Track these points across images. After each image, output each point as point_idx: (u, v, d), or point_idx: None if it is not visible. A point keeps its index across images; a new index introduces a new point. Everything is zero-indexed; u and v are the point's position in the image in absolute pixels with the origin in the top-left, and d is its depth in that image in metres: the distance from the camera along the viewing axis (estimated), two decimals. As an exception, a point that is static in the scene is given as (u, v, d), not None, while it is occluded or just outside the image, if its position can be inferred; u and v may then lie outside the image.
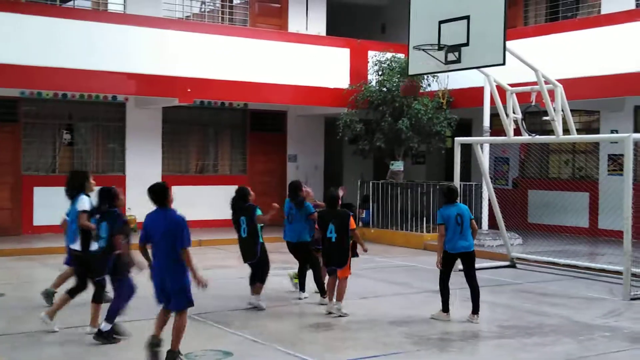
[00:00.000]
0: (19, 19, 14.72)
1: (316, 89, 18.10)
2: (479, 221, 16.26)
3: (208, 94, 17.31)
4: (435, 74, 16.58)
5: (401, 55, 17.74)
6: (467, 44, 10.89)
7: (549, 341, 8.27)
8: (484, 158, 14.87)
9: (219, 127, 19.46)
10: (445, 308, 9.18)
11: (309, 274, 10.28)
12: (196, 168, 19.09)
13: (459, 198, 9.80)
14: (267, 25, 19.40)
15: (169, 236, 6.97)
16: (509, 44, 10.73)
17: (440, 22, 11.15)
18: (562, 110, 12.08)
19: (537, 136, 13.13)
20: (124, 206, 8.24)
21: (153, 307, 7.43)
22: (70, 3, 17.16)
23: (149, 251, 7.22)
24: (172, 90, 16.31)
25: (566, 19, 17.98)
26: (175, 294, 6.99)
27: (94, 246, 8.20)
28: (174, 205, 7.25)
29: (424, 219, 16.60)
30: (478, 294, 9.19)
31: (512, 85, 12.75)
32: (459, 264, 9.75)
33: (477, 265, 12.92)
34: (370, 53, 18.81)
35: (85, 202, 8.36)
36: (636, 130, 16.48)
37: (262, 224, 9.78)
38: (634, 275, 10.99)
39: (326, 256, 9.49)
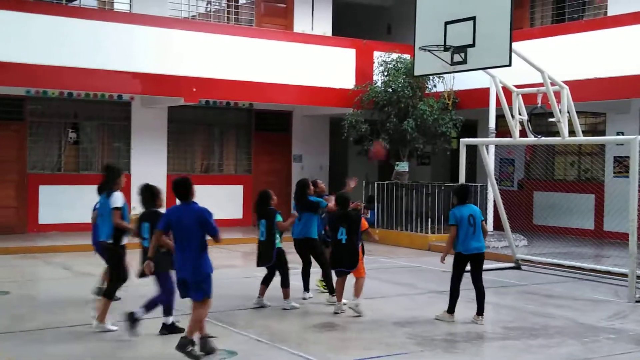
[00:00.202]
0: (25, 17, 14.75)
1: (321, 89, 18.09)
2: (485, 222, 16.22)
3: (213, 94, 17.32)
4: (441, 75, 16.58)
5: (407, 56, 17.73)
6: (473, 45, 10.88)
7: (554, 343, 8.25)
8: (490, 159, 14.85)
9: (224, 127, 19.47)
10: (452, 309, 9.14)
11: (314, 272, 10.27)
12: (201, 167, 19.11)
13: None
14: (272, 25, 19.40)
15: (196, 229, 7.15)
16: (515, 45, 10.72)
17: (447, 23, 11.15)
18: (568, 112, 12.06)
19: (543, 138, 13.11)
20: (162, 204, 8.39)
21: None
22: (77, 2, 17.18)
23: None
24: (178, 89, 16.32)
25: (572, 20, 17.95)
26: (196, 285, 7.17)
27: (124, 240, 8.47)
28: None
29: (429, 220, 16.58)
30: (484, 295, 9.17)
31: (518, 86, 12.73)
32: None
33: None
34: (376, 53, 18.79)
35: (119, 200, 8.50)
36: (642, 132, 16.43)
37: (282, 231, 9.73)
38: (639, 277, 10.94)
39: (335, 258, 9.40)
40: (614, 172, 17.22)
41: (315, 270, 10.36)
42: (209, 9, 19.43)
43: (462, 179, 13.65)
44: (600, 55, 15.38)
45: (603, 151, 17.50)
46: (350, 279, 9.52)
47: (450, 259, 9.29)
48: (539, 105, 12.29)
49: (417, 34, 11.72)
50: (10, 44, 14.56)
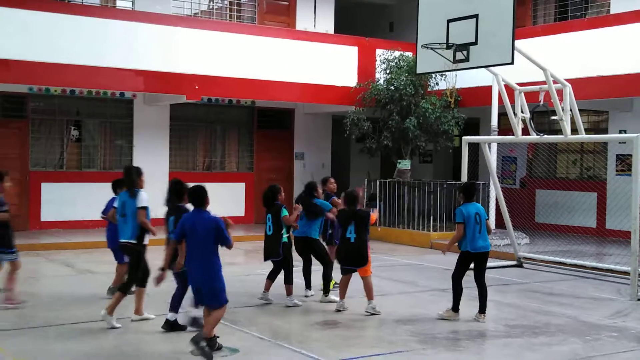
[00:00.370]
0: (27, 15, 14.74)
1: (324, 87, 18.09)
2: (486, 221, 16.23)
3: (216, 92, 17.32)
4: (443, 73, 16.55)
5: (409, 54, 17.71)
6: (475, 43, 10.87)
7: (556, 341, 8.25)
8: (492, 157, 14.84)
9: (226, 125, 19.47)
10: (456, 307, 9.12)
11: (316, 270, 10.27)
12: (203, 165, 19.11)
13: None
14: (275, 23, 19.39)
15: (210, 236, 7.21)
16: (517, 43, 10.70)
17: (449, 21, 11.14)
18: (571, 110, 12.05)
19: (545, 136, 13.10)
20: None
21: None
22: (79, -1, 17.21)
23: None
24: (180, 87, 16.32)
25: (575, 18, 17.92)
26: (209, 293, 7.23)
27: (146, 240, 8.62)
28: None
29: (431, 217, 16.58)
30: (486, 293, 9.17)
31: (520, 84, 12.72)
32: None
33: (484, 265, 12.97)
34: (378, 51, 18.79)
35: (144, 199, 8.61)
36: (645, 131, 16.41)
37: (288, 225, 9.73)
38: (641, 275, 10.95)
39: (344, 256, 9.38)
40: (616, 170, 17.21)
41: (317, 269, 10.35)
42: (211, 7, 19.42)
43: (464, 177, 13.65)
44: (603, 53, 15.36)
45: (605, 149, 17.50)
46: (354, 280, 9.52)
47: (451, 257, 9.28)
48: (542, 103, 12.28)
49: (419, 32, 11.71)
50: (13, 41, 14.56)
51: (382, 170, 21.71)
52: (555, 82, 11.92)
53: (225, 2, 19.36)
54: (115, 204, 9.20)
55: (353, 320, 9.07)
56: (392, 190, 17.68)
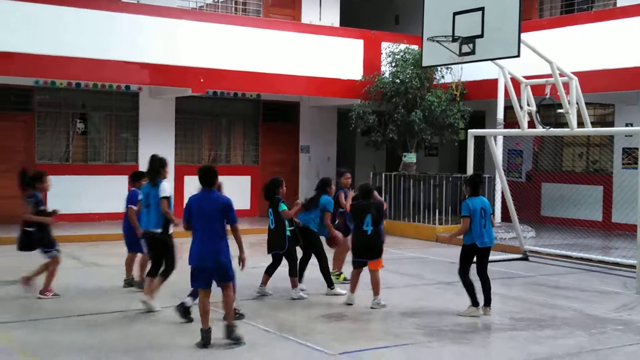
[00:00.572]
0: (33, 8, 14.74)
1: (329, 80, 18.07)
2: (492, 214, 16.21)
3: (221, 85, 17.31)
4: (449, 66, 16.51)
5: (415, 47, 17.69)
6: (481, 36, 10.84)
7: (561, 334, 8.25)
8: (498, 150, 14.82)
9: (231, 118, 19.47)
10: (476, 302, 9.02)
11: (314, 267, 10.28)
12: (209, 158, 19.11)
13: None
14: (280, 15, 19.37)
15: (218, 215, 7.32)
16: (523, 36, 10.67)
17: (455, 14, 11.11)
18: (577, 103, 12.02)
19: (551, 129, 13.06)
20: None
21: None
22: (85, -8, 17.19)
23: None
24: (185, 80, 16.33)
25: (581, 11, 17.86)
26: (218, 270, 7.34)
27: (170, 229, 8.77)
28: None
29: (436, 211, 16.57)
30: (490, 286, 9.16)
31: (526, 77, 12.69)
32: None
33: (489, 258, 12.96)
34: (384, 44, 18.75)
35: (167, 189, 8.74)
36: (651, 124, 16.37)
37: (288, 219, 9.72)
38: (647, 269, 10.93)
39: (361, 249, 9.35)
40: (623, 164, 17.16)
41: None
42: (216, 0, 19.40)
43: (470, 170, 13.62)
44: (610, 46, 15.31)
45: (611, 142, 17.45)
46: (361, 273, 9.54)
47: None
48: (548, 96, 12.24)
49: (425, 25, 11.68)
50: (19, 35, 14.58)
51: (387, 163, 21.69)
52: (561, 75, 11.88)
53: (231, -5, 19.34)
54: (140, 196, 9.33)
55: (359, 313, 9.07)
56: (398, 183, 17.66)
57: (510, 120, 16.24)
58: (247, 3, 19.39)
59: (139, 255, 10.04)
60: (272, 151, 19.76)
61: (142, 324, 8.43)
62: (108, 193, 16.78)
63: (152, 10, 16.22)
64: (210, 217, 7.33)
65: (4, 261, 12.58)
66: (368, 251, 9.31)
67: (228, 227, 7.47)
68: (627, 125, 16.67)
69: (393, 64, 18.21)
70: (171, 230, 8.85)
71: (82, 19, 15.27)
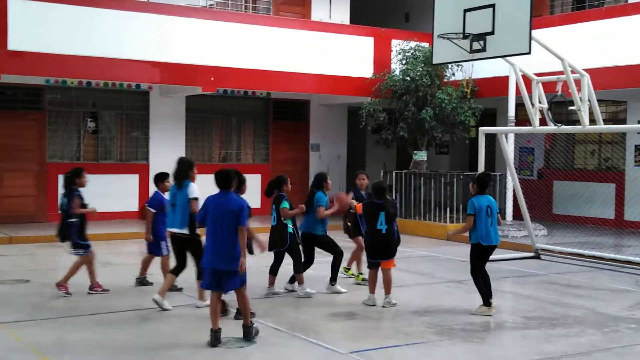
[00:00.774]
0: (43, 7, 14.79)
1: (339, 78, 18.05)
2: (504, 212, 16.16)
3: (231, 83, 17.32)
4: (460, 63, 16.46)
5: (425, 44, 17.62)
6: (492, 33, 10.81)
7: (574, 332, 8.20)
8: (509, 148, 14.76)
9: (241, 116, 19.48)
10: (488, 301, 8.97)
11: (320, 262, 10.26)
12: (219, 157, 19.14)
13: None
14: (290, 13, 19.36)
15: (233, 217, 7.31)
16: (534, 32, 10.62)
17: (466, 11, 11.08)
18: (589, 100, 11.95)
19: (563, 126, 12.99)
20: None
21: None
22: (95, -9, 17.23)
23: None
24: (196, 79, 16.34)
25: (593, 7, 17.75)
26: (232, 273, 7.34)
27: (197, 230, 8.80)
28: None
29: (447, 209, 16.52)
30: (489, 280, 9.10)
31: (537, 74, 12.62)
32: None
33: (501, 256, 12.95)
34: (394, 42, 18.69)
35: (195, 190, 8.80)
36: (664, 121, 16.28)
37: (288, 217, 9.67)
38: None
39: (375, 248, 9.29)
40: (635, 161, 17.07)
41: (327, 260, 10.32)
42: (226, -2, 19.42)
43: (481, 168, 13.58)
44: (622, 43, 15.21)
45: (624, 140, 17.35)
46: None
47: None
48: (559, 93, 12.19)
49: (435, 22, 11.65)
50: (29, 34, 14.63)
51: (398, 161, 21.65)
52: (573, 72, 11.82)
53: (241, -7, 19.34)
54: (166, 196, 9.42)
55: (369, 311, 9.05)
56: (408, 181, 17.62)
57: (522, 118, 16.16)
58: (257, 1, 19.39)
59: (158, 257, 10.02)
60: (282, 149, 19.75)
61: (153, 323, 8.45)
62: (119, 192, 16.84)
63: (162, 9, 16.24)
64: (226, 219, 7.33)
65: (16, 260, 12.64)
66: (383, 251, 9.25)
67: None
68: (639, 122, 16.57)
69: (403, 62, 18.16)
70: (197, 230, 8.89)
71: (93, 18, 15.29)
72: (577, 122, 12.55)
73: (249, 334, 7.44)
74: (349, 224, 10.82)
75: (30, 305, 9.06)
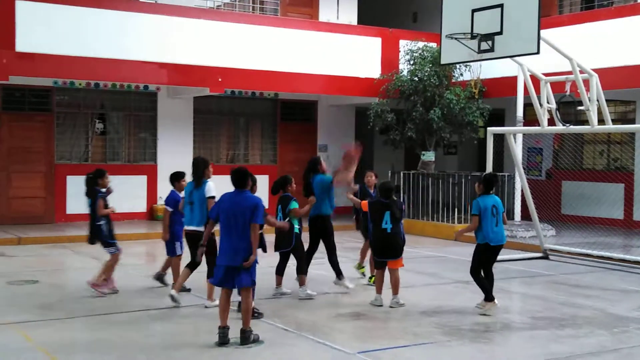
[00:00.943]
0: (51, 8, 14.84)
1: (347, 78, 18.04)
2: (512, 212, 16.12)
3: (239, 84, 17.34)
4: (468, 64, 16.43)
5: (433, 44, 17.60)
6: (500, 33, 10.78)
7: (583, 333, 8.17)
8: (517, 148, 14.72)
9: (249, 117, 19.50)
10: (490, 297, 8.98)
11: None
12: (227, 158, 19.16)
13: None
14: (297, 14, 19.36)
15: (248, 214, 7.35)
16: (543, 32, 10.59)
17: (474, 11, 11.06)
18: (597, 100, 11.91)
19: (572, 126, 12.96)
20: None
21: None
22: (103, -7, 17.28)
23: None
24: (203, 80, 16.36)
25: (602, 7, 17.69)
26: (244, 271, 7.37)
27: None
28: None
29: (455, 209, 16.49)
30: (493, 282, 9.12)
31: (546, 74, 12.58)
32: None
33: (509, 257, 12.93)
34: (402, 42, 18.68)
35: (212, 189, 8.93)
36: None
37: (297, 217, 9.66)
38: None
39: (380, 248, 9.32)
40: (644, 161, 17.00)
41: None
42: (234, -1, 19.45)
43: (489, 168, 13.56)
44: (631, 42, 15.16)
45: (633, 140, 17.29)
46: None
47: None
48: (568, 93, 12.15)
49: (443, 22, 11.64)
50: (38, 35, 14.67)
51: (406, 162, 21.62)
52: (581, 71, 11.78)
53: (248, -6, 19.37)
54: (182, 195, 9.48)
55: (377, 312, 9.04)
56: (417, 182, 17.60)
57: (530, 118, 16.11)
58: (265, 2, 19.40)
59: (171, 258, 10.04)
60: (290, 150, 19.75)
61: (162, 323, 8.47)
62: (127, 193, 16.85)
63: (170, 10, 16.27)
64: (241, 217, 7.36)
65: (24, 260, 12.69)
66: (388, 250, 9.26)
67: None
68: (648, 122, 16.52)
69: (411, 62, 18.14)
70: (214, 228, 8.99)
71: (101, 19, 15.34)
72: (585, 122, 12.51)
73: (246, 339, 7.35)
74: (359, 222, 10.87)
75: (39, 306, 9.08)
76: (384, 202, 9.29)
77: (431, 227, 16.82)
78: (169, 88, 17.67)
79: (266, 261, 12.01)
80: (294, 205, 9.52)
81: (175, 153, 17.61)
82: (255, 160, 19.50)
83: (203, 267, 9.07)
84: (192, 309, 8.96)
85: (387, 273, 9.41)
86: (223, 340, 7.34)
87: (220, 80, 16.47)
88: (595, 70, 12.03)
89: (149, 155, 17.95)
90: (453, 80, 18.07)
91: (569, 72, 11.89)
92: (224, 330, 7.37)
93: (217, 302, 8.69)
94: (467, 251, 10.79)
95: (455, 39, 11.22)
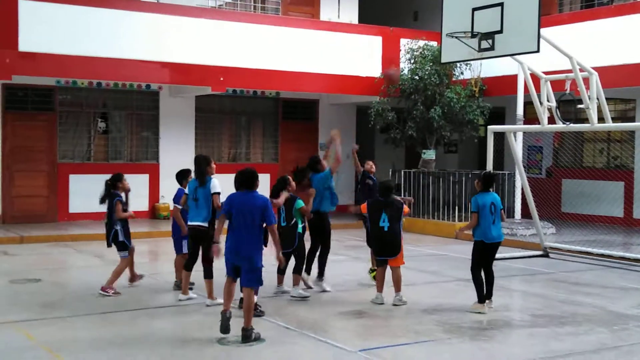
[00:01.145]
0: (54, 7, 14.89)
1: (348, 77, 18.08)
2: (512, 210, 16.17)
3: (240, 83, 17.38)
4: (468, 62, 16.46)
5: (434, 43, 17.63)
6: (500, 31, 10.81)
7: (582, 330, 8.21)
8: (518, 147, 14.76)
9: (251, 116, 19.54)
10: (482, 299, 9.03)
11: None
12: (229, 156, 19.21)
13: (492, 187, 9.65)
14: (299, 13, 19.40)
15: (257, 215, 7.43)
16: (543, 31, 10.63)
17: (474, 9, 11.09)
18: (597, 98, 11.94)
19: (572, 124, 12.99)
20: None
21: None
22: (105, -8, 17.32)
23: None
24: (205, 78, 16.41)
25: (602, 5, 17.73)
26: (250, 271, 7.44)
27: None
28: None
29: (456, 207, 16.53)
30: (493, 280, 9.17)
31: (546, 73, 12.62)
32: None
33: (510, 255, 12.97)
34: (403, 41, 18.71)
35: (217, 185, 9.02)
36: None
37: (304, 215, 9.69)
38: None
39: (378, 246, 9.40)
40: (644, 159, 17.03)
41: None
42: (235, -2, 19.49)
43: (489, 166, 13.60)
44: (631, 41, 15.18)
45: (633, 138, 17.32)
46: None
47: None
48: (568, 91, 12.18)
49: (444, 21, 11.67)
50: (40, 35, 14.72)
51: (406, 160, 21.65)
52: (581, 70, 11.81)
53: (249, -6, 19.41)
54: (186, 191, 9.51)
55: (378, 310, 9.09)
56: (417, 180, 17.64)
57: (530, 117, 16.15)
58: (266, 1, 19.43)
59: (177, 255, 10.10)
60: (291, 149, 19.79)
61: (163, 320, 8.53)
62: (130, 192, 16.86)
63: (172, 10, 16.32)
64: (249, 216, 7.43)
65: (27, 259, 12.74)
66: (386, 247, 9.31)
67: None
68: (648, 120, 16.54)
69: (412, 61, 18.18)
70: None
71: (103, 19, 15.39)
72: (585, 120, 12.57)
73: (247, 337, 7.39)
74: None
75: (42, 304, 9.13)
76: (382, 201, 9.35)
77: (432, 225, 16.87)
78: (171, 87, 17.72)
79: (267, 259, 12.06)
80: (301, 204, 9.55)
81: (177, 152, 17.66)
82: (256, 158, 19.54)
83: (198, 267, 9.12)
84: (193, 307, 9.01)
85: (388, 271, 9.45)
86: (225, 328, 7.42)
87: (221, 79, 16.51)
88: (595, 68, 12.06)
89: (151, 154, 18.01)
90: (453, 79, 18.10)
91: (569, 71, 11.92)
92: (224, 314, 7.45)
93: (217, 300, 8.78)
94: (468, 249, 10.81)
95: (456, 37, 11.26)
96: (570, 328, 8.31)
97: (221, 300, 8.67)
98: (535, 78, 12.62)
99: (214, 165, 9.30)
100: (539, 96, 12.47)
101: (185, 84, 16.77)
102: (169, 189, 14.78)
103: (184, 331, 8.02)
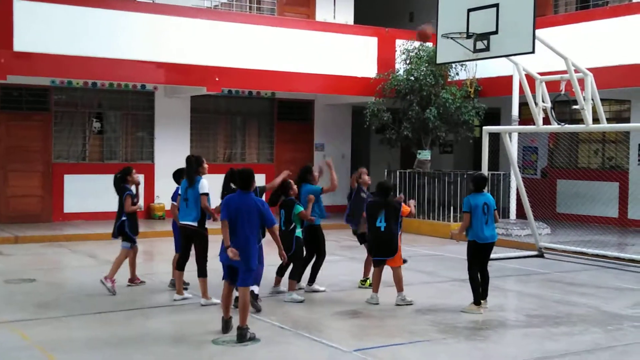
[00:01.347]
0: (50, 8, 14.86)
1: (343, 78, 18.10)
2: (507, 211, 16.19)
3: (236, 83, 17.38)
4: (464, 63, 16.48)
5: (429, 44, 17.65)
6: (496, 32, 10.82)
7: (577, 331, 8.23)
8: (513, 147, 14.78)
9: (246, 116, 19.54)
10: (478, 300, 9.04)
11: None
12: (224, 157, 19.20)
13: (486, 187, 9.68)
14: (294, 14, 19.41)
15: (254, 217, 7.45)
16: (538, 32, 10.64)
17: (469, 10, 11.09)
18: (592, 99, 11.97)
19: (567, 125, 13.02)
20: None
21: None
22: (100, -8, 17.30)
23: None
24: (201, 79, 16.40)
25: (597, 6, 17.76)
26: (246, 271, 7.47)
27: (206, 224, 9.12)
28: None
29: (451, 208, 16.55)
30: (488, 280, 9.18)
31: (541, 74, 12.64)
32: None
33: (505, 255, 12.99)
34: (398, 42, 18.73)
35: (206, 186, 9.11)
36: (668, 120, 16.26)
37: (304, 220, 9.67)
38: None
39: (374, 245, 9.41)
40: (639, 160, 17.06)
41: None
42: (231, -1, 19.48)
43: (484, 167, 13.60)
44: (625, 42, 15.22)
45: (627, 139, 17.35)
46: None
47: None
48: (563, 92, 12.20)
49: (439, 22, 11.69)
50: (35, 35, 14.70)
51: (402, 160, 21.67)
52: (576, 71, 11.84)
53: (245, -6, 19.41)
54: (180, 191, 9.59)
55: (373, 310, 9.10)
56: (412, 180, 17.65)
57: (525, 117, 16.18)
58: (262, 2, 19.43)
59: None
60: (286, 149, 19.80)
61: (159, 320, 8.53)
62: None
63: (167, 10, 16.31)
64: (247, 219, 7.44)
65: (21, 259, 12.72)
66: (382, 248, 9.32)
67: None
68: (643, 121, 16.57)
69: (407, 61, 18.19)
70: (207, 224, 9.18)
71: (98, 19, 15.37)
72: (580, 121, 12.59)
73: (242, 337, 7.39)
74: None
75: (36, 304, 9.12)
76: (380, 202, 9.35)
77: (427, 225, 16.88)
78: (166, 87, 17.70)
79: (268, 259, 12.06)
80: (300, 209, 9.52)
81: (172, 152, 17.63)
82: (252, 159, 19.54)
83: (193, 267, 9.12)
84: (188, 307, 9.01)
85: (384, 272, 9.46)
86: (226, 330, 7.55)
87: (217, 79, 16.51)
88: (590, 69, 12.08)
89: (146, 154, 17.99)
90: (449, 80, 18.12)
91: (564, 72, 11.95)
92: (227, 322, 7.56)
93: (212, 299, 8.79)
94: (463, 250, 10.81)
95: (451, 38, 11.27)
96: (565, 328, 8.33)
97: (216, 300, 8.73)
98: (531, 79, 12.65)
99: (206, 166, 9.34)
100: (534, 97, 12.49)
101: (181, 84, 16.76)
102: (164, 189, 14.80)
103: (179, 331, 8.03)
